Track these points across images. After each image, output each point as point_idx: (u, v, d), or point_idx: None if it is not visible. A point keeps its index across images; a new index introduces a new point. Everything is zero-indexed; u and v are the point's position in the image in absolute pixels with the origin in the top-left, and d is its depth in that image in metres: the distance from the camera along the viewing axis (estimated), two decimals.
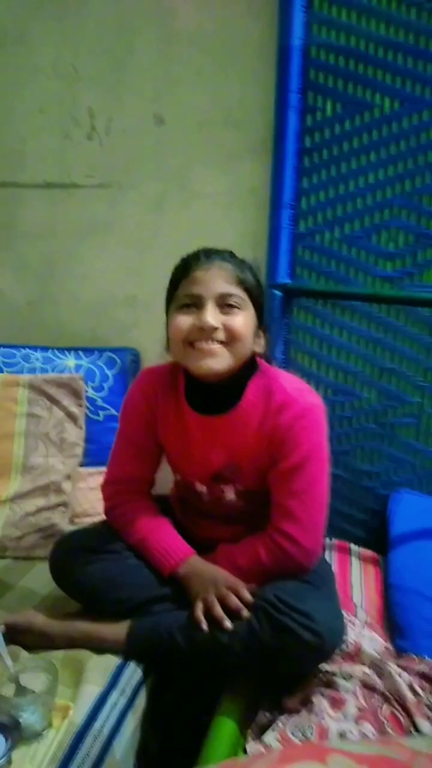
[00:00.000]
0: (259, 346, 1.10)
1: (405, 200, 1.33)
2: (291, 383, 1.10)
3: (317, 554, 1.09)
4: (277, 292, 1.41)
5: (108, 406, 1.57)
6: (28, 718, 0.86)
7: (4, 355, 1.59)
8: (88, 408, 1.56)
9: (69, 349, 1.61)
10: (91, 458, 1.55)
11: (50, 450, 1.50)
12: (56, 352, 1.60)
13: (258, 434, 1.08)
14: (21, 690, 0.89)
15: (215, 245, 1.09)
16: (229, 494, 1.16)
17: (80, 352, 1.61)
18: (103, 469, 1.50)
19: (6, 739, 0.76)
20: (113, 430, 1.50)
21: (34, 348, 1.61)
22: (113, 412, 1.56)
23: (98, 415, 1.57)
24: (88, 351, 1.61)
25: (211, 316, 1.01)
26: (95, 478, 1.53)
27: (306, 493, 1.07)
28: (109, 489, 1.21)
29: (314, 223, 1.40)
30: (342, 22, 1.29)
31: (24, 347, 1.61)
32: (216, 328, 1.01)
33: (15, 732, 0.77)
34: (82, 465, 1.54)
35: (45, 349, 1.61)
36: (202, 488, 1.17)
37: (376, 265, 1.38)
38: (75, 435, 1.53)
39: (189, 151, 1.47)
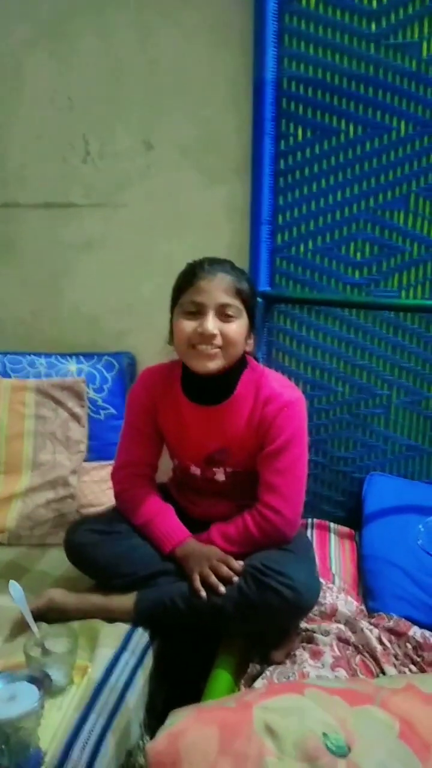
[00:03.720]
0: (249, 346, 1.27)
1: (369, 215, 1.49)
2: (277, 380, 1.29)
3: (297, 524, 1.26)
4: (259, 299, 1.56)
5: (108, 406, 1.72)
6: (54, 674, 1.01)
7: (11, 361, 1.73)
8: (89, 408, 1.69)
9: (70, 355, 1.75)
10: (94, 454, 1.68)
11: (57, 447, 1.64)
12: (59, 357, 1.74)
13: (247, 422, 1.26)
14: (46, 652, 1.04)
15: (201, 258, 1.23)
16: (220, 475, 1.32)
17: (81, 357, 1.74)
18: (105, 463, 1.67)
19: (39, 688, 0.91)
20: (113, 427, 1.67)
21: (39, 354, 1.75)
22: (113, 411, 1.71)
23: (99, 414, 1.71)
24: (88, 356, 1.75)
25: (212, 324, 1.17)
26: (98, 471, 1.68)
27: (288, 470, 1.24)
28: (118, 474, 1.37)
29: (290, 237, 1.55)
30: (310, 57, 1.43)
31: (29, 354, 1.75)
32: (215, 335, 1.18)
33: (45, 682, 0.92)
34: (86, 460, 1.67)
35: (48, 355, 1.75)
36: (196, 470, 1.34)
37: (345, 273, 1.54)
38: (79, 433, 1.67)
39: (176, 173, 1.61)
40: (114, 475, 1.38)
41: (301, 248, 1.54)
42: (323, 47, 1.42)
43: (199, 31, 1.50)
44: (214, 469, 1.32)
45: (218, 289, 1.18)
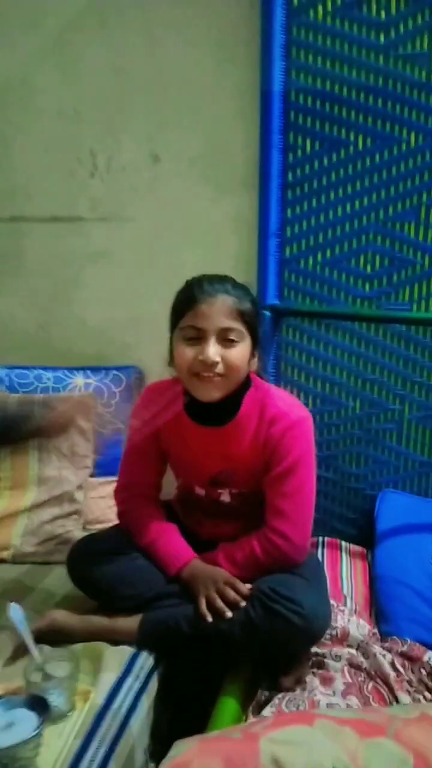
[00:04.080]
0: (253, 365, 1.23)
1: (379, 227, 1.46)
2: (282, 398, 1.24)
3: (306, 549, 1.21)
4: (267, 313, 1.54)
5: (115, 421, 1.70)
6: (55, 700, 0.98)
7: (18, 376, 1.72)
8: (96, 423, 1.68)
9: (78, 369, 1.73)
10: (100, 469, 1.66)
11: (63, 462, 1.62)
12: (66, 371, 1.73)
13: (252, 443, 1.21)
14: (47, 677, 1.02)
15: (208, 272, 1.20)
16: (225, 496, 1.29)
17: (88, 371, 1.72)
18: (112, 478, 1.64)
19: (38, 715, 0.88)
20: (120, 442, 1.65)
21: (46, 368, 1.74)
22: (120, 425, 1.69)
23: (106, 429, 1.69)
24: (95, 370, 1.73)
25: (213, 351, 1.12)
26: (105, 487, 1.65)
27: (296, 494, 1.20)
28: (121, 495, 1.34)
29: (299, 249, 1.52)
30: (318, 68, 1.42)
31: (36, 368, 1.73)
32: (217, 363, 1.13)
33: (45, 709, 0.89)
34: (92, 476, 1.66)
35: (55, 369, 1.73)
36: (200, 491, 1.30)
37: (356, 286, 1.51)
38: (85, 448, 1.65)
39: (183, 185, 1.59)
40: (117, 496, 1.35)
41: (310, 261, 1.52)
42: (331, 59, 1.40)
43: (206, 43, 1.50)
44: (219, 491, 1.29)
45: (219, 313, 1.12)
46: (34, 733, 0.85)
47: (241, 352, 1.15)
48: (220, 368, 1.14)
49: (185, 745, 0.82)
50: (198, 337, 1.14)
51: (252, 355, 1.20)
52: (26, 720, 0.88)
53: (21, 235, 1.74)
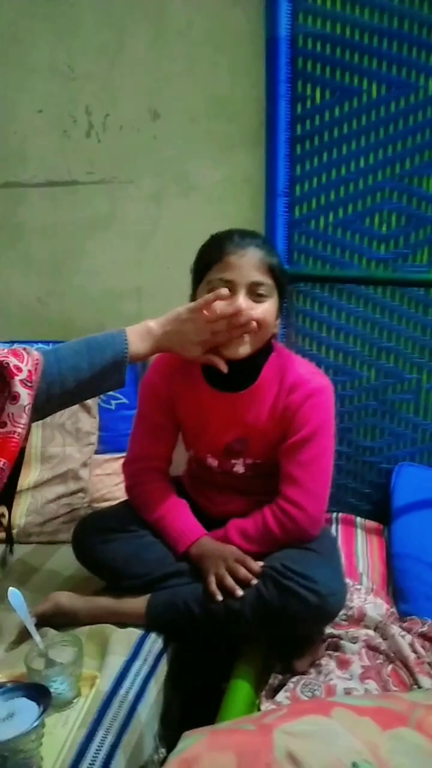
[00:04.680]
0: (277, 328, 1.18)
1: (396, 183, 1.37)
2: (303, 366, 1.20)
3: (321, 522, 1.16)
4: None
5: (119, 396, 1.64)
6: (58, 687, 0.94)
7: None
8: (100, 398, 1.62)
9: None
10: (105, 446, 1.61)
11: (67, 439, 1.57)
12: None
13: (271, 410, 1.17)
14: (50, 663, 0.97)
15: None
16: (239, 467, 1.24)
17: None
18: (117, 455, 1.60)
19: (39, 705, 0.84)
20: (125, 417, 1.59)
21: (46, 342, 1.67)
22: (124, 400, 1.63)
23: (110, 404, 1.63)
24: None
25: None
26: (110, 464, 1.60)
27: (313, 463, 1.15)
28: (129, 468, 1.29)
29: (308, 209, 1.43)
30: (327, 11, 1.31)
31: (36, 342, 1.67)
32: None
33: (46, 699, 0.85)
34: (97, 452, 1.61)
35: (56, 342, 1.67)
36: (213, 462, 1.25)
37: (370, 247, 1.42)
38: (89, 424, 1.60)
39: (184, 144, 1.50)
40: (125, 469, 1.30)
41: (321, 222, 1.43)
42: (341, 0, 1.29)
43: None
44: (232, 461, 1.23)
45: (250, 265, 1.09)
46: (34, 725, 0.80)
47: (270, 307, 1.12)
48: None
49: (194, 737, 0.77)
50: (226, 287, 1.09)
51: (278, 313, 1.16)
52: (27, 710, 0.83)
53: (16, 202, 1.65)
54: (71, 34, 1.51)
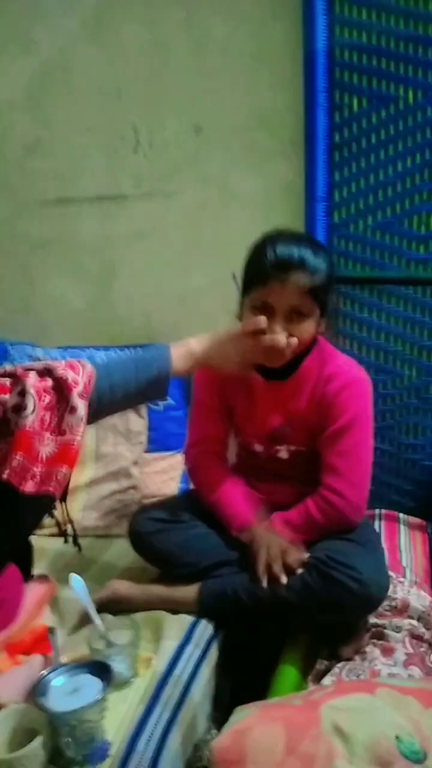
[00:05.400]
0: (321, 328, 1.22)
1: None
2: (342, 358, 1.26)
3: (362, 509, 1.20)
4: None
5: (166, 397, 1.71)
6: (117, 666, 1.00)
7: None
8: None
9: (127, 347, 1.74)
10: (154, 445, 1.68)
11: (118, 439, 1.65)
12: (116, 350, 1.74)
13: (310, 399, 1.22)
14: (110, 644, 1.04)
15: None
16: (283, 453, 1.29)
17: (138, 349, 1.74)
18: (166, 453, 1.67)
19: (102, 680, 0.91)
20: (172, 418, 1.66)
21: (97, 348, 1.76)
22: (171, 402, 1.69)
23: (158, 405, 1.70)
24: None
25: (279, 330, 1.12)
26: (159, 462, 1.67)
27: (351, 452, 1.20)
28: (191, 451, 1.37)
29: (348, 214, 1.47)
30: (362, 22, 1.35)
31: (88, 347, 1.76)
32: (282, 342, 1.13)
33: (107, 675, 0.92)
34: (146, 451, 1.67)
35: (106, 348, 1.75)
36: (259, 448, 1.31)
37: (409, 249, 1.45)
38: (139, 424, 1.67)
39: (226, 155, 1.56)
40: (186, 453, 1.38)
41: (360, 225, 1.47)
42: (377, 10, 1.33)
43: (244, 5, 1.45)
44: (276, 447, 1.29)
45: (291, 292, 1.12)
46: (99, 697, 0.87)
47: (308, 327, 1.17)
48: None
49: (246, 711, 0.82)
50: (266, 310, 1.14)
51: (318, 324, 1.20)
52: (91, 685, 0.90)
53: (68, 217, 1.75)
54: (117, 58, 1.59)
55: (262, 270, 1.14)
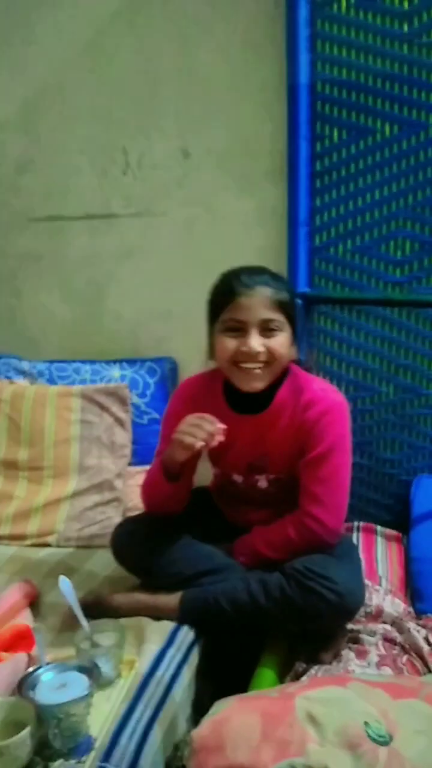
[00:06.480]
0: (293, 354, 1.25)
1: (409, 212, 1.48)
2: (317, 384, 1.26)
3: (340, 533, 1.24)
4: (299, 301, 1.56)
5: (151, 410, 1.75)
6: (102, 667, 1.03)
7: (57, 369, 1.79)
8: (133, 413, 1.73)
9: (114, 361, 1.79)
10: (138, 458, 1.72)
11: (102, 452, 1.68)
12: (103, 364, 1.79)
13: (288, 428, 1.24)
14: (95, 645, 1.07)
15: (240, 263, 1.24)
16: (262, 482, 1.32)
17: (124, 364, 1.78)
18: (149, 467, 1.69)
19: (88, 678, 0.94)
20: (157, 432, 1.68)
21: (83, 362, 1.80)
22: (156, 415, 1.74)
23: (143, 419, 1.74)
24: (130, 362, 1.79)
25: (255, 342, 1.16)
26: (142, 475, 1.68)
27: (330, 479, 1.22)
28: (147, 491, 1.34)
29: (328, 237, 1.55)
30: (343, 59, 1.44)
31: (74, 361, 1.80)
32: (260, 353, 1.16)
33: (94, 672, 0.95)
34: (130, 464, 1.71)
35: (93, 362, 1.80)
36: (238, 478, 1.33)
37: (386, 271, 1.53)
38: (123, 437, 1.71)
39: (213, 179, 1.64)
40: (143, 491, 1.35)
41: (340, 248, 1.54)
42: (356, 49, 1.43)
43: (232, 39, 1.54)
44: (256, 477, 1.32)
45: (259, 305, 1.15)
46: (86, 692, 0.90)
47: (282, 340, 1.19)
48: (263, 356, 1.17)
49: (225, 703, 0.86)
50: (239, 329, 1.17)
51: (291, 343, 1.23)
52: (78, 682, 0.93)
53: (58, 234, 1.81)
54: (109, 83, 1.67)
55: (228, 290, 1.17)
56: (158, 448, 1.35)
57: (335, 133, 1.48)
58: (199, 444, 1.13)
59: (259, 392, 1.22)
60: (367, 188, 1.49)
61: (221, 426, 1.15)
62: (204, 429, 1.14)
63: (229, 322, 1.18)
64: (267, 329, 1.17)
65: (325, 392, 1.24)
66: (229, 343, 1.18)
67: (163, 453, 1.24)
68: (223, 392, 1.28)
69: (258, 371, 1.18)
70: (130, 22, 1.61)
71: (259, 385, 1.20)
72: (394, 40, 1.40)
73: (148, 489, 1.32)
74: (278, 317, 1.17)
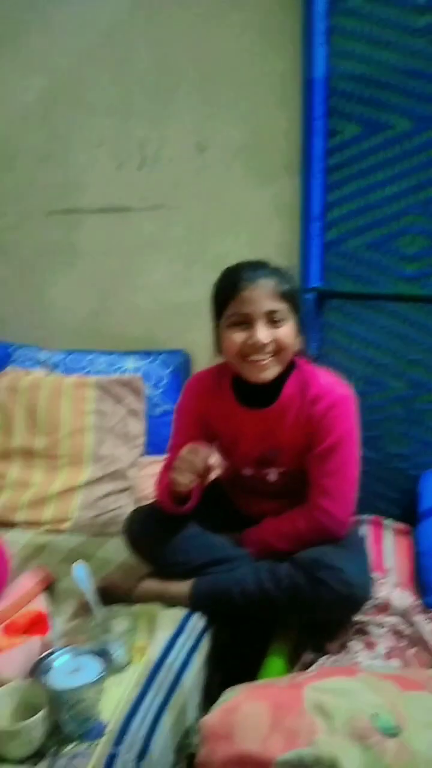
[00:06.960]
0: (298, 345, 1.25)
1: (421, 208, 1.48)
2: (324, 377, 1.27)
3: (349, 525, 1.26)
4: (311, 295, 1.58)
5: (164, 402, 1.77)
6: (115, 652, 1.06)
7: (73, 360, 1.82)
8: (147, 404, 1.76)
9: (129, 353, 1.82)
10: (151, 448, 1.74)
11: (116, 442, 1.71)
12: (118, 356, 1.81)
13: (296, 423, 1.25)
14: (108, 631, 1.10)
15: (254, 256, 1.25)
16: (272, 475, 1.34)
17: (138, 355, 1.81)
18: (162, 457, 1.71)
19: (101, 663, 0.97)
20: (170, 423, 1.71)
21: (99, 353, 1.83)
22: (169, 407, 1.76)
23: (156, 410, 1.77)
24: (145, 354, 1.81)
25: (262, 333, 1.16)
26: (155, 466, 1.71)
27: (339, 472, 1.23)
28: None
29: (341, 232, 1.55)
30: (359, 53, 1.44)
31: (90, 353, 1.83)
32: (267, 344, 1.17)
33: (106, 658, 0.98)
34: (143, 454, 1.74)
35: (108, 353, 1.82)
36: (248, 471, 1.35)
37: (398, 267, 1.53)
38: (137, 428, 1.73)
39: (228, 173, 1.65)
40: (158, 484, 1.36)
41: (353, 243, 1.55)
42: (372, 43, 1.42)
43: (248, 33, 1.54)
44: (265, 470, 1.33)
45: (263, 296, 1.16)
46: (98, 677, 0.93)
47: (288, 330, 1.19)
48: (270, 347, 1.18)
49: (235, 692, 0.88)
50: (245, 322, 1.18)
51: (297, 334, 1.23)
52: (90, 667, 0.96)
53: (75, 227, 1.83)
54: (126, 77, 1.68)
55: (232, 285, 1.18)
56: (170, 442, 1.37)
57: (349, 128, 1.49)
58: (193, 484, 1.20)
59: (267, 386, 1.23)
60: (380, 183, 1.50)
61: (213, 462, 1.20)
62: (195, 466, 1.20)
63: (234, 316, 1.19)
64: (272, 320, 1.18)
65: (331, 386, 1.25)
66: (237, 337, 1.19)
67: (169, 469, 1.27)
68: (231, 387, 1.30)
69: (267, 362, 1.19)
70: (148, 17, 1.61)
71: (269, 375, 1.21)
72: (410, 34, 1.39)
73: (160, 495, 1.34)
74: (282, 307, 1.18)
